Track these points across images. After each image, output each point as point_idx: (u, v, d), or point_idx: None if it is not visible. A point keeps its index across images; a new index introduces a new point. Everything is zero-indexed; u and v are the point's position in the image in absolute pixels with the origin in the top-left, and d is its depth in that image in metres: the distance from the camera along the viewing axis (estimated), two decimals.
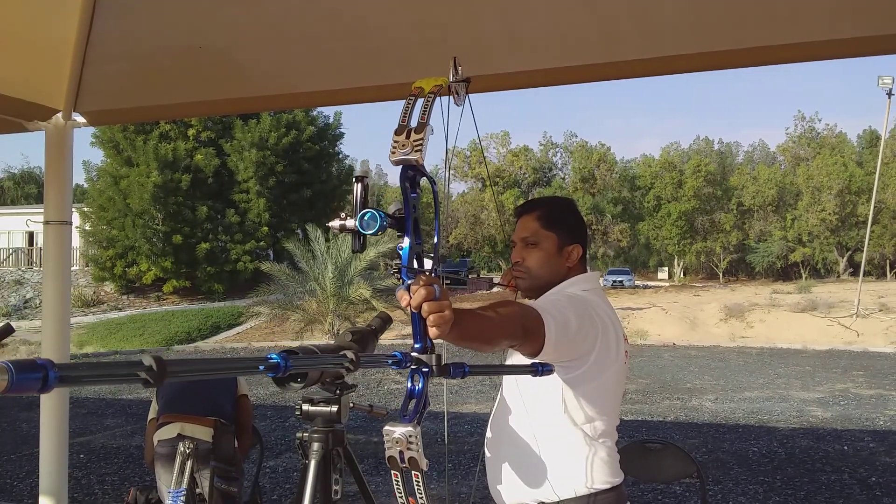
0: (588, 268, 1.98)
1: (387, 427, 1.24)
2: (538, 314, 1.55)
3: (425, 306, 1.19)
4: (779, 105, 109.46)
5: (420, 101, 1.28)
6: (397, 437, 1.22)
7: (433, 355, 1.27)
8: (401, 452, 1.23)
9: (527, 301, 1.84)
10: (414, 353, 1.27)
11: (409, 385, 1.27)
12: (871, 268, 43.67)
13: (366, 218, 1.30)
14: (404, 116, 1.27)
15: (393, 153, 1.25)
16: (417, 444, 1.22)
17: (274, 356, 0.96)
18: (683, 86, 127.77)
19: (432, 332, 1.22)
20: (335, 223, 1.37)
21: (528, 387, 1.78)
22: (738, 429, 8.35)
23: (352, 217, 1.32)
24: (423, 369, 1.26)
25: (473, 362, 1.38)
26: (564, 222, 1.92)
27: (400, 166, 1.29)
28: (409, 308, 1.22)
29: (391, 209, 1.37)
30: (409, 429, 1.22)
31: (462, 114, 1.42)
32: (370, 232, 1.31)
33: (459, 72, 1.38)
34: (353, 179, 1.37)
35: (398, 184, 1.39)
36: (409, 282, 1.24)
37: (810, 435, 8.03)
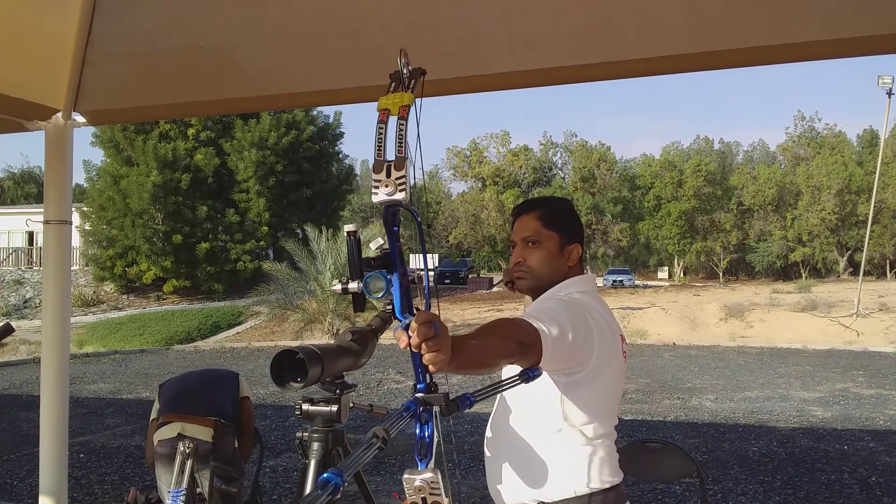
0: (588, 268, 1.99)
1: (406, 475, 1.21)
2: (534, 328, 1.54)
3: (423, 346, 1.18)
4: (779, 105, 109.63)
5: (391, 127, 1.24)
6: (419, 486, 1.20)
7: (441, 394, 1.26)
8: (424, 499, 1.21)
9: (521, 311, 1.83)
10: (419, 394, 1.26)
11: (418, 431, 1.26)
12: (871, 267, 43.67)
13: (369, 281, 1.27)
14: (379, 148, 1.21)
15: (375, 193, 1.21)
16: (440, 487, 1.20)
17: (329, 476, 0.97)
18: (683, 85, 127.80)
19: (430, 368, 1.22)
20: (337, 287, 1.34)
21: (528, 388, 1.78)
22: (738, 428, 8.35)
23: (352, 280, 1.30)
24: (431, 408, 1.26)
25: (468, 382, 1.37)
26: (564, 222, 1.92)
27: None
28: (408, 349, 1.21)
29: (373, 245, 1.34)
30: (430, 475, 1.20)
31: (421, 107, 1.37)
32: (378, 296, 1.28)
33: (408, 65, 1.33)
34: (345, 234, 1.34)
35: None
36: (406, 321, 1.23)
37: (810, 435, 8.03)
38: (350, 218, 33.91)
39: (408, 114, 1.23)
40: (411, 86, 1.29)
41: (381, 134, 1.22)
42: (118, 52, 2.80)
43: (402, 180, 1.19)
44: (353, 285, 1.32)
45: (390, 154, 1.21)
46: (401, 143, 1.21)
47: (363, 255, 1.36)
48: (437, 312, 1.27)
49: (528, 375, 1.44)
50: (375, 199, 1.21)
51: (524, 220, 1.91)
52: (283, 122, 29.74)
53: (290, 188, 30.84)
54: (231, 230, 29.47)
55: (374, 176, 1.20)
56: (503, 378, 1.56)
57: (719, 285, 42.09)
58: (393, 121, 1.23)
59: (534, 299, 1.92)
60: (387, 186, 1.19)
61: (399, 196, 1.19)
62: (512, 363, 1.55)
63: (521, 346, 1.50)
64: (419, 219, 1.35)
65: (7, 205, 47.47)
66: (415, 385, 1.27)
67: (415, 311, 1.26)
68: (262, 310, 21.07)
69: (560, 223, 1.90)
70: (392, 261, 1.28)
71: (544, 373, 1.57)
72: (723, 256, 50.23)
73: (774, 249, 48.58)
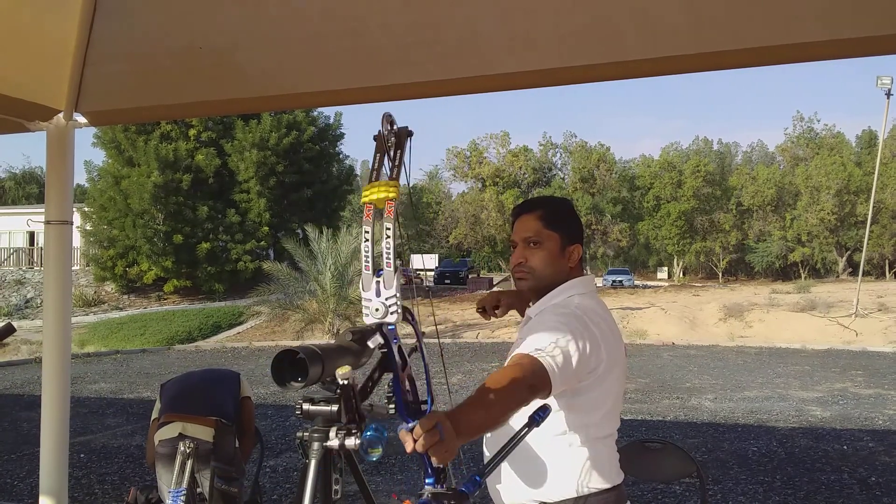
0: (587, 269, 1.99)
1: None
2: (540, 364, 1.55)
3: (430, 451, 1.20)
4: (778, 105, 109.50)
5: (378, 228, 1.19)
6: None
7: (450, 493, 1.28)
8: None
9: (522, 337, 1.80)
10: (428, 489, 1.28)
11: None
12: (870, 267, 43.69)
13: (366, 441, 1.26)
14: (366, 258, 1.18)
15: (366, 315, 1.20)
16: None
17: None
18: (683, 86, 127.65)
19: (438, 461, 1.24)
20: (334, 442, 1.33)
21: None
22: (738, 428, 8.35)
23: (349, 434, 1.28)
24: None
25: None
26: (565, 222, 1.91)
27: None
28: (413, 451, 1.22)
29: (372, 344, 1.34)
30: None
31: (410, 170, 1.31)
32: (374, 457, 1.28)
33: (393, 125, 1.29)
34: (340, 382, 1.31)
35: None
36: (411, 424, 1.23)
37: (809, 434, 8.03)
38: (350, 218, 33.86)
39: (394, 211, 1.19)
40: (397, 158, 1.26)
41: (367, 240, 1.19)
42: (119, 53, 2.80)
43: (393, 300, 1.17)
44: (350, 442, 1.32)
45: (379, 263, 1.18)
46: (389, 251, 1.18)
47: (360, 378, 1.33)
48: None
49: (537, 420, 1.45)
50: (367, 320, 1.19)
51: (525, 220, 1.90)
52: (284, 123, 29.74)
53: (291, 188, 30.84)
54: (232, 230, 29.47)
55: (364, 295, 1.18)
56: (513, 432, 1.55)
57: (718, 285, 42.08)
58: (379, 217, 1.19)
59: (534, 300, 1.91)
60: (377, 310, 1.17)
61: (391, 319, 1.17)
62: (525, 406, 1.55)
63: (531, 389, 1.50)
64: (417, 326, 1.32)
65: (8, 205, 47.48)
66: (423, 478, 1.28)
67: (421, 409, 1.25)
68: (262, 310, 21.06)
69: (561, 223, 1.89)
70: (391, 364, 1.27)
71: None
72: (722, 257, 50.25)
73: (773, 250, 48.60)
